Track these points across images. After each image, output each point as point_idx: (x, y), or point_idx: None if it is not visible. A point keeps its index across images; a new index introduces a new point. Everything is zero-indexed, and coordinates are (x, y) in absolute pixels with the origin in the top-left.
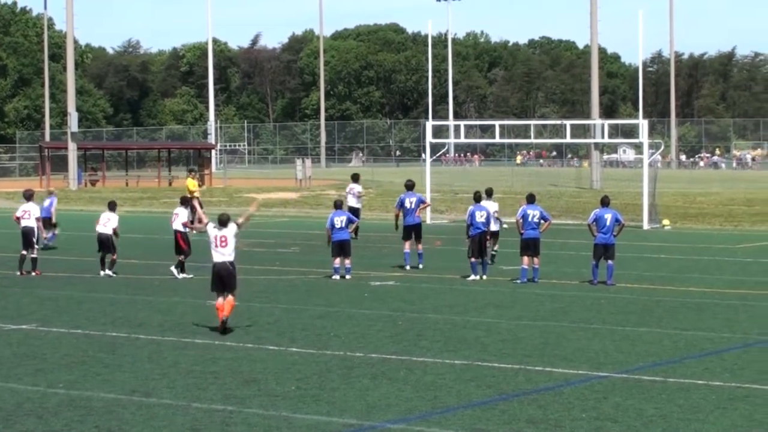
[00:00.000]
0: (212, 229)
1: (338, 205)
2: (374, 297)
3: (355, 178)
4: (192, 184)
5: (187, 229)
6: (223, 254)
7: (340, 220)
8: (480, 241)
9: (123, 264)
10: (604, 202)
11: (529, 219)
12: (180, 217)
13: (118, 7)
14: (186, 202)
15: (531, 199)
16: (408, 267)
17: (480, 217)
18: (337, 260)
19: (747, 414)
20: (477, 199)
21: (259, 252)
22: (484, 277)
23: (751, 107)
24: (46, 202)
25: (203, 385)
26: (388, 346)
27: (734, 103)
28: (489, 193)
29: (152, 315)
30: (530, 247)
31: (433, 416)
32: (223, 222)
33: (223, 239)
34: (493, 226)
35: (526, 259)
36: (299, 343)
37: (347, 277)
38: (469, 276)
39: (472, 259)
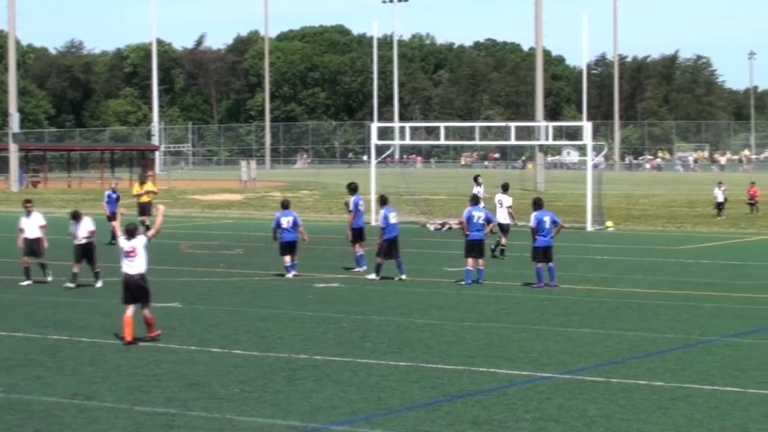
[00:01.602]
0: (122, 240)
1: (285, 205)
2: (318, 299)
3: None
4: (138, 188)
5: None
6: (132, 266)
7: (287, 221)
8: (390, 245)
9: (65, 267)
10: (539, 204)
11: (474, 220)
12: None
13: (61, 7)
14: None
15: (475, 201)
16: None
17: (393, 219)
18: (287, 259)
19: (688, 414)
20: (383, 201)
21: (202, 254)
22: (404, 276)
23: (694, 110)
24: None
25: (146, 388)
26: (333, 348)
27: (677, 105)
28: (505, 188)
29: (94, 318)
30: (475, 248)
31: (377, 418)
32: (131, 232)
33: (132, 250)
34: (505, 220)
35: (470, 260)
36: (243, 345)
37: (291, 274)
38: (396, 277)
39: (378, 259)
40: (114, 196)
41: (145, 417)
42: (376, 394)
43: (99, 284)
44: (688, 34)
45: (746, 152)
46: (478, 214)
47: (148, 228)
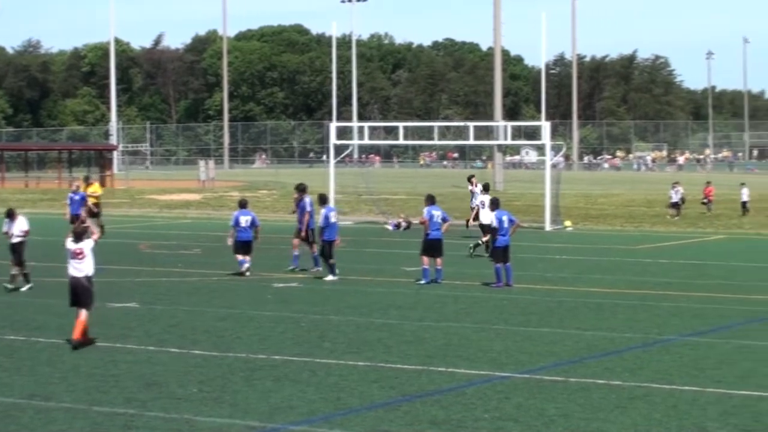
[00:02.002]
0: (69, 242)
1: (243, 204)
2: (277, 299)
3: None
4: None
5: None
6: (80, 269)
7: (245, 220)
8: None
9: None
10: (497, 204)
11: (434, 219)
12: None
13: (18, 6)
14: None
15: (432, 201)
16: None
17: (333, 218)
18: (240, 256)
19: (646, 413)
20: (323, 200)
21: (161, 254)
22: (328, 278)
23: (652, 109)
24: None
25: (104, 388)
26: (291, 347)
27: (635, 105)
28: (486, 188)
29: (51, 318)
30: (434, 247)
31: (336, 417)
32: (78, 234)
33: (79, 252)
34: (488, 220)
35: (426, 259)
36: (201, 345)
37: (246, 271)
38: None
39: (327, 260)
40: (77, 197)
41: (103, 417)
42: (335, 393)
43: (26, 288)
44: (647, 34)
45: (708, 151)
46: (437, 213)
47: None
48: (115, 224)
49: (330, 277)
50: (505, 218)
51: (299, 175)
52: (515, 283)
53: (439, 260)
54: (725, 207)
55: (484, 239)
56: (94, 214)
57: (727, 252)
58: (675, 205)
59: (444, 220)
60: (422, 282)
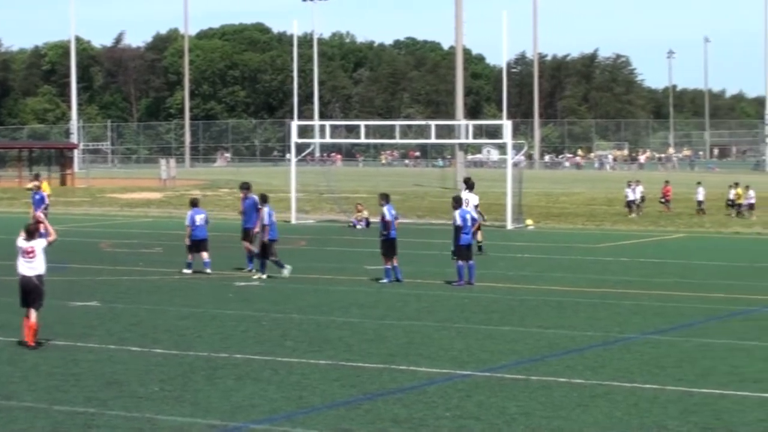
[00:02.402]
0: (20, 240)
1: (195, 203)
2: (239, 298)
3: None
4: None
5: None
6: (31, 267)
7: (200, 218)
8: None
9: None
10: (460, 202)
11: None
12: None
13: None
14: None
15: (388, 199)
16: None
17: (273, 217)
18: (191, 255)
19: (607, 411)
20: (264, 200)
21: (122, 252)
22: (260, 275)
23: (613, 108)
24: None
25: (65, 387)
26: (253, 346)
27: (596, 104)
28: (471, 186)
29: (12, 317)
30: (394, 246)
31: (297, 416)
32: (30, 233)
33: (31, 251)
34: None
35: (387, 259)
36: (163, 344)
37: (208, 270)
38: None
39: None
40: (37, 197)
41: (64, 416)
42: (296, 392)
43: None
44: (608, 32)
45: (671, 150)
46: (394, 213)
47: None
48: (76, 223)
49: (285, 271)
50: (468, 217)
51: (261, 173)
52: (477, 281)
53: (395, 259)
54: (685, 206)
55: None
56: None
57: (687, 250)
58: (631, 204)
59: (395, 218)
60: (385, 281)
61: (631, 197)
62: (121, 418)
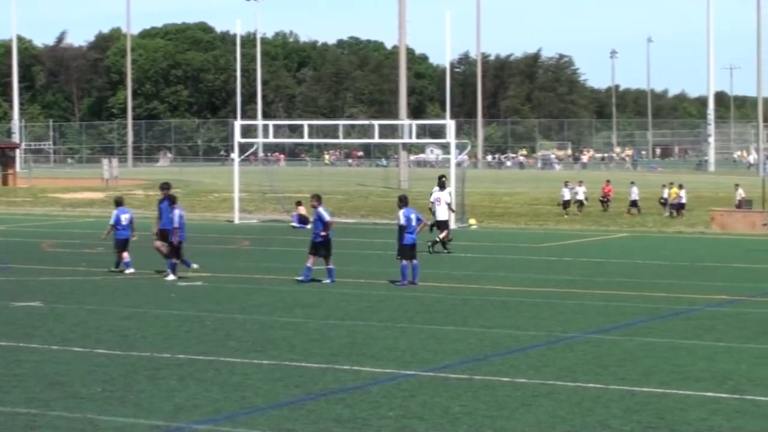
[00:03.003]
0: None
1: (120, 202)
2: (181, 297)
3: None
4: None
5: None
6: None
7: (125, 218)
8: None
9: None
10: (405, 201)
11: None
12: None
13: None
14: None
15: (320, 200)
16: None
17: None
18: (126, 254)
19: (551, 410)
20: (172, 201)
21: (64, 252)
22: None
23: (556, 108)
24: None
25: (6, 388)
26: (196, 346)
27: (539, 103)
28: (441, 185)
29: None
30: (327, 246)
31: (240, 416)
32: None
33: None
34: (444, 216)
35: (313, 258)
36: (105, 344)
37: (128, 271)
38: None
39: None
40: None
41: (5, 417)
42: (239, 392)
43: None
44: (551, 32)
45: (618, 150)
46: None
47: None
48: (18, 223)
49: (171, 277)
50: (413, 216)
51: (205, 173)
52: (420, 281)
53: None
54: (626, 205)
55: (441, 236)
56: None
57: (629, 249)
58: (567, 204)
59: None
60: (302, 279)
61: (567, 197)
62: (63, 419)
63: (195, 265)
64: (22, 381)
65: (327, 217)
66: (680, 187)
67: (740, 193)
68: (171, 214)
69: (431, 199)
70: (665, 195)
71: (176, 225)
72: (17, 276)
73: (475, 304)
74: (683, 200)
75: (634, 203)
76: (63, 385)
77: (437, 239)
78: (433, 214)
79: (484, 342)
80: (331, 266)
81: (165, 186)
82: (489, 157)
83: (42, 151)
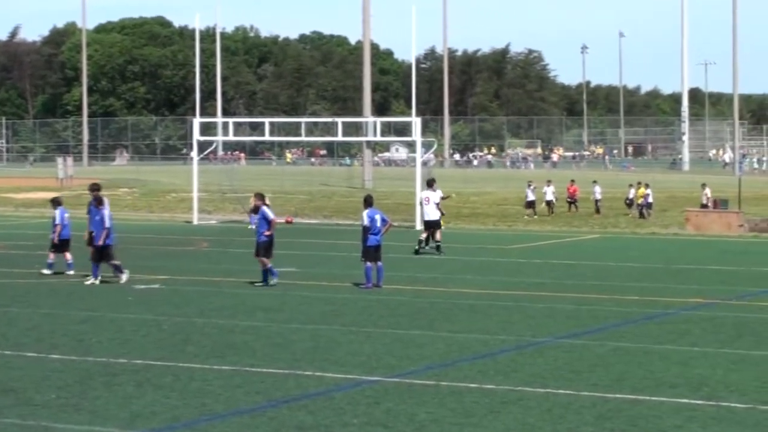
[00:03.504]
0: None
1: (59, 202)
2: (138, 301)
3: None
4: None
5: None
6: None
7: (67, 217)
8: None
9: None
10: (370, 202)
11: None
12: None
13: None
14: None
15: (263, 198)
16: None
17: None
18: (53, 255)
19: (520, 417)
20: (99, 202)
21: (18, 254)
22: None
23: (525, 105)
24: None
25: None
26: (154, 351)
27: (508, 100)
28: (430, 184)
29: None
30: (271, 246)
31: (199, 424)
32: None
33: None
34: (435, 216)
35: (266, 260)
36: (60, 349)
37: (71, 272)
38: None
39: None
40: None
41: None
42: (198, 399)
43: None
44: (520, 27)
45: (593, 148)
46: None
47: None
48: None
49: (124, 277)
50: (377, 217)
51: (163, 172)
52: (385, 283)
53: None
54: (604, 206)
55: (423, 236)
56: None
57: (601, 251)
58: (531, 204)
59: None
60: (261, 284)
61: (531, 197)
62: (17, 427)
63: (125, 277)
64: None
65: (271, 216)
66: (647, 186)
67: (707, 194)
68: (98, 215)
69: (419, 198)
70: (631, 195)
71: (107, 225)
72: None
73: (442, 307)
74: (650, 200)
75: (596, 203)
76: (16, 391)
77: (420, 239)
78: (422, 214)
79: (452, 347)
80: (269, 266)
81: (94, 187)
82: (457, 156)
83: None
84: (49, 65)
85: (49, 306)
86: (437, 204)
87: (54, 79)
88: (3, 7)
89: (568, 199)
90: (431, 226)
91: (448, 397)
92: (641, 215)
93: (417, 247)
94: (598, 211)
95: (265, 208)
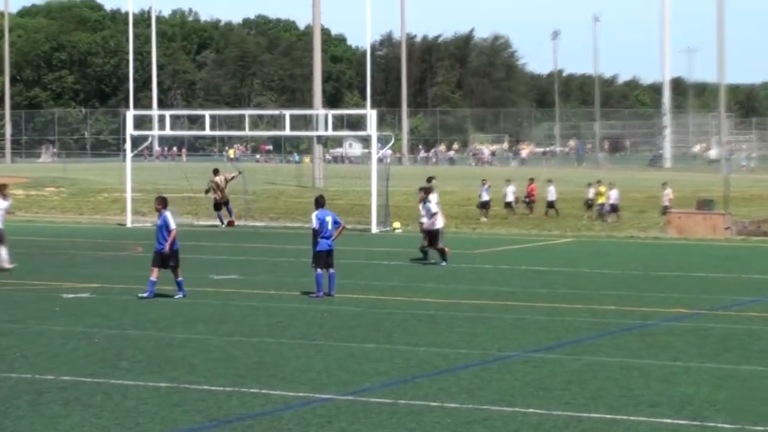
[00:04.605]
0: None
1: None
2: (67, 311)
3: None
4: None
5: None
6: None
7: None
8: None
9: None
10: (321, 203)
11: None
12: None
13: None
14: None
15: (165, 203)
16: None
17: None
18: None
19: None
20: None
21: None
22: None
23: (491, 96)
24: None
25: None
26: (83, 367)
27: (472, 91)
28: (428, 191)
29: None
30: (174, 257)
31: None
32: None
33: None
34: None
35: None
36: None
37: None
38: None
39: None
40: None
41: None
42: (132, 419)
43: None
44: (485, 10)
45: (572, 143)
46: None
47: None
48: None
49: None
50: (329, 219)
51: (92, 169)
52: (338, 292)
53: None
54: (573, 206)
55: (425, 242)
56: None
57: (574, 257)
58: (485, 205)
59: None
60: (145, 295)
61: (486, 197)
62: None
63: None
64: None
65: (172, 225)
66: (610, 186)
67: (668, 194)
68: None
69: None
70: (591, 195)
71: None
72: None
73: (400, 318)
74: (612, 201)
75: (551, 204)
76: None
77: (423, 246)
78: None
79: (410, 362)
80: (180, 278)
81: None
82: (422, 152)
83: None
84: None
85: None
86: (436, 207)
87: None
88: None
89: (525, 199)
90: (431, 232)
91: (407, 417)
92: (603, 218)
93: (424, 258)
94: (554, 212)
95: (167, 213)
